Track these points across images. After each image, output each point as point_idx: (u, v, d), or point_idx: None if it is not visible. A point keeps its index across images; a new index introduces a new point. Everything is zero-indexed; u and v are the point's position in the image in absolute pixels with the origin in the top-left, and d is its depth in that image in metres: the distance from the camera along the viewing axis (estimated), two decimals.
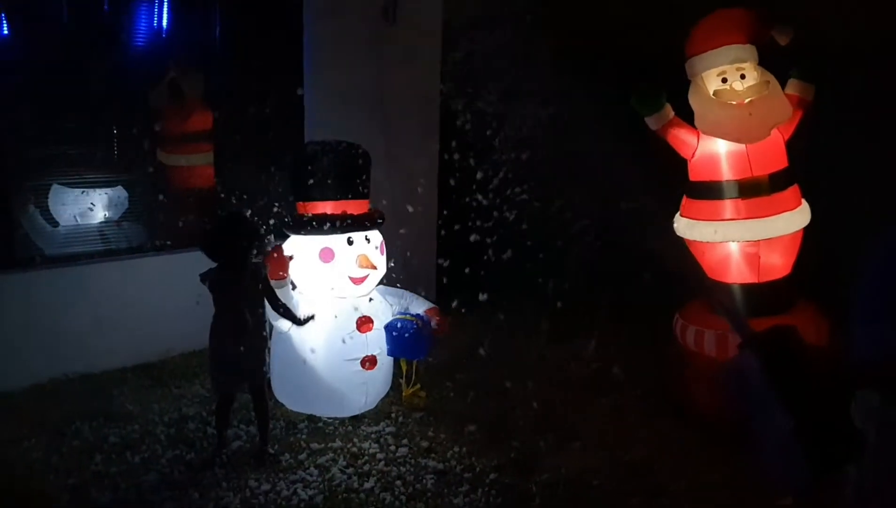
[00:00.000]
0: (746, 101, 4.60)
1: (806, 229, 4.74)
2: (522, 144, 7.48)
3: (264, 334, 4.28)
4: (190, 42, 6.20)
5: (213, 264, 4.14)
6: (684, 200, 4.95)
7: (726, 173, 4.70)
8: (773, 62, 4.69)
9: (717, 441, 4.39)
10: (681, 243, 4.95)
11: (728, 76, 4.64)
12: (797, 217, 4.69)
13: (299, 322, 4.55)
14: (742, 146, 4.63)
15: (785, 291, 4.78)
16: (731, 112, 4.62)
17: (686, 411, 4.75)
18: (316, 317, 4.64)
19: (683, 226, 4.92)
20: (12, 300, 5.06)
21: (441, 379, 5.25)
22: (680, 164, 4.91)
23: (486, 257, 6.72)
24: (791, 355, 2.16)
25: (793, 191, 4.73)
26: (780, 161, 4.68)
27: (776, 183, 4.65)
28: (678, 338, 4.90)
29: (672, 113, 4.88)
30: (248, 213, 4.25)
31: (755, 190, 4.64)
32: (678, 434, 4.57)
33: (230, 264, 4.11)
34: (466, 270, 6.34)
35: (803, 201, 4.77)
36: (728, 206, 4.70)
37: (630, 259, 6.81)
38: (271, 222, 4.98)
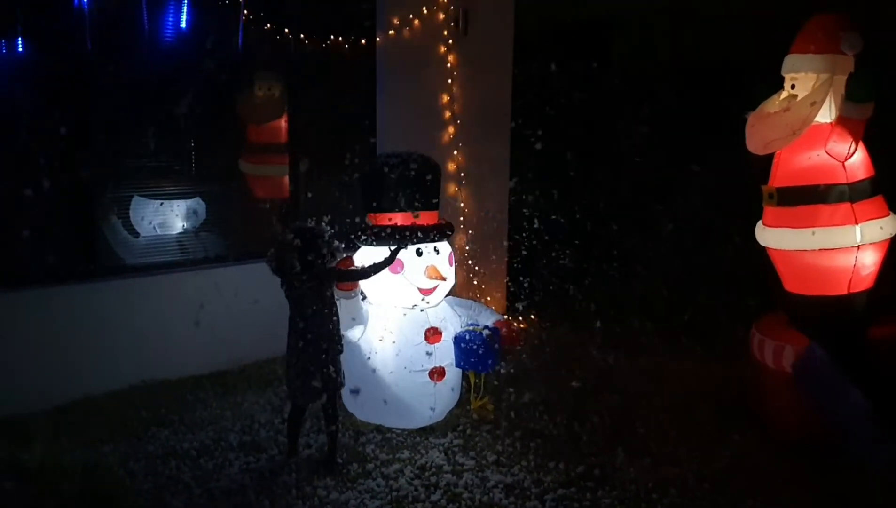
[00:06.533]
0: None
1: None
2: (592, 155, 7.44)
3: (338, 345, 4.30)
4: (268, 57, 6.33)
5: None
6: None
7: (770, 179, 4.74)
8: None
9: (795, 456, 4.27)
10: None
11: (785, 85, 4.57)
12: (795, 236, 4.50)
13: (388, 261, 4.42)
14: (778, 155, 4.57)
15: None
16: (750, 122, 4.56)
17: (767, 425, 4.64)
18: (385, 328, 4.67)
19: None
20: (95, 309, 5.23)
21: (510, 391, 5.20)
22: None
23: (556, 268, 6.69)
24: None
25: (808, 209, 4.49)
26: (799, 177, 4.50)
27: (786, 197, 4.52)
28: (753, 350, 4.79)
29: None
30: (312, 223, 4.27)
31: (769, 199, 4.64)
32: (754, 448, 4.44)
33: (297, 279, 4.15)
34: (536, 281, 6.30)
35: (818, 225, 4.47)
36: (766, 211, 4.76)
37: (699, 271, 6.68)
38: (342, 232, 5.03)
